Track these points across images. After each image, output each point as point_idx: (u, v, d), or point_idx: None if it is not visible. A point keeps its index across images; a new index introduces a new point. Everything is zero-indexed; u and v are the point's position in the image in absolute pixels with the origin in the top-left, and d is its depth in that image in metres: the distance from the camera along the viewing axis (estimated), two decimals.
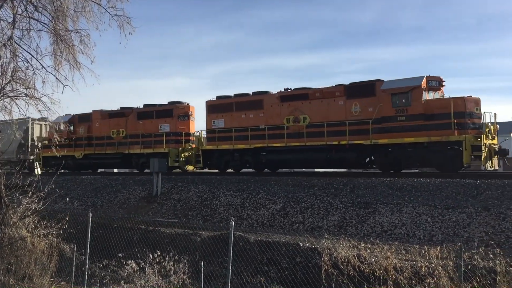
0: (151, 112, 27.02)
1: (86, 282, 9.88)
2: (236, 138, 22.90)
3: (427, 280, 6.59)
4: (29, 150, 31.24)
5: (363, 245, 7.38)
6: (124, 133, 27.55)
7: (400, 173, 18.36)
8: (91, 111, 29.52)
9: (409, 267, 6.95)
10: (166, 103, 26.82)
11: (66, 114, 29.84)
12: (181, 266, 10.27)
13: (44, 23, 11.63)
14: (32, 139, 31.56)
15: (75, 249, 10.73)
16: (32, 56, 11.80)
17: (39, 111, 11.73)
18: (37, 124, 32.01)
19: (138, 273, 9.79)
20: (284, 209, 15.32)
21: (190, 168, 26.47)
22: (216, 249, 11.71)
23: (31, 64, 11.83)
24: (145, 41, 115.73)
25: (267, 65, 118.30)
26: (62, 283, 10.85)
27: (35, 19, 11.63)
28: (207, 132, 24.84)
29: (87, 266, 10.16)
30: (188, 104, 26.88)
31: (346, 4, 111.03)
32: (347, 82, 20.54)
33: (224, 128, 23.69)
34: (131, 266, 9.71)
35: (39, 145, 31.37)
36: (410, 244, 7.98)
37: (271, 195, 16.44)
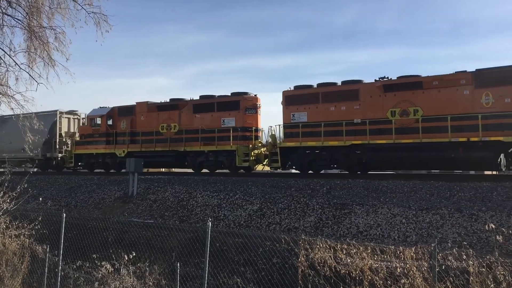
0: (210, 104, 23.72)
1: (59, 284, 9.69)
2: (325, 134, 19.86)
3: (402, 281, 6.67)
4: (57, 147, 28.61)
5: (340, 246, 7.43)
6: (177, 128, 24.37)
7: (375, 175, 18.54)
8: (135, 103, 26.34)
9: (385, 268, 7.03)
10: (229, 94, 23.69)
11: (100, 107, 27.58)
12: (156, 267, 10.17)
13: (18, 19, 11.41)
14: (60, 135, 29.01)
15: (48, 250, 10.51)
16: (5, 52, 11.58)
17: (12, 108, 11.49)
18: (65, 117, 29.57)
19: (112, 274, 9.65)
20: (261, 210, 15.33)
21: (260, 167, 23.68)
22: (192, 250, 11.64)
23: (4, 61, 11.61)
24: (123, 40, 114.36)
25: (245, 66, 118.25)
26: (34, 284, 10.62)
27: (8, 15, 11.40)
28: (286, 126, 21.51)
29: (60, 267, 9.97)
30: (256, 95, 23.66)
31: (324, 6, 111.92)
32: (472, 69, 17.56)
33: (309, 123, 20.57)
34: (106, 267, 9.57)
35: (69, 141, 28.89)
36: (385, 245, 8.07)
37: (248, 196, 16.43)
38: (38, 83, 11.48)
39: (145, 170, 25.67)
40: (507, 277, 6.29)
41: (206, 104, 23.87)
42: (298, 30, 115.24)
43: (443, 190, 14.37)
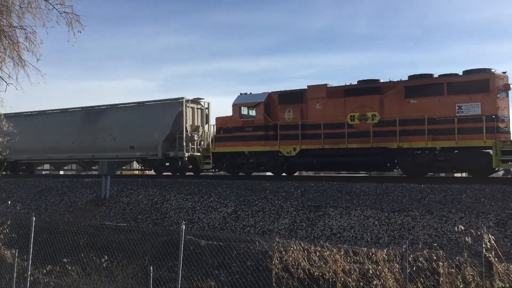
0: (437, 85, 17.55)
1: None
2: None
3: (374, 282, 6.76)
4: (184, 144, 23.12)
5: (313, 248, 7.47)
6: (377, 117, 18.41)
7: (349, 178, 18.75)
8: (306, 87, 20.42)
9: (357, 269, 7.11)
10: (461, 73, 17.60)
11: (245, 94, 22.18)
12: (129, 271, 10.05)
13: None
14: (186, 129, 23.50)
15: (16, 255, 10.26)
16: None
17: None
18: (189, 107, 23.98)
19: (84, 278, 9.50)
20: (235, 213, 15.31)
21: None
22: (166, 253, 11.53)
23: None
24: (98, 41, 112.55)
25: (222, 68, 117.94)
26: None
27: None
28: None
29: (29, 272, 9.74)
30: (505, 72, 17.39)
31: (301, 10, 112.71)
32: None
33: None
34: (77, 272, 9.41)
35: (196, 137, 23.93)
36: (358, 247, 8.17)
37: (222, 199, 16.39)
38: (7, 84, 11.23)
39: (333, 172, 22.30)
40: (475, 278, 6.44)
41: (428, 85, 17.79)
42: (274, 33, 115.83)
43: (414, 192, 14.62)
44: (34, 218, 10.19)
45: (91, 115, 26.80)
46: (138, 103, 25.78)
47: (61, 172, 31.86)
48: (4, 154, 21.38)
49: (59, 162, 29.55)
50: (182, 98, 23.47)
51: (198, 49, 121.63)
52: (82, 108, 28.12)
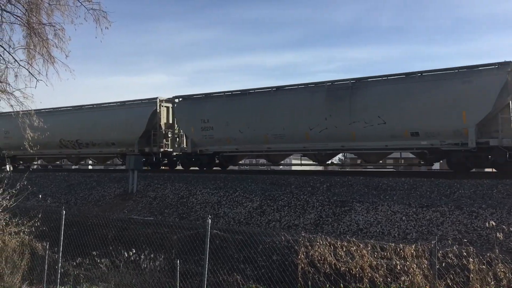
0: None
1: (59, 280, 9.69)
2: None
3: (402, 278, 6.66)
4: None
5: (339, 243, 7.41)
6: None
7: (376, 172, 18.52)
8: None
9: (384, 265, 7.02)
10: None
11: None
12: (156, 264, 10.18)
13: (17, 16, 11.36)
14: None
15: (47, 247, 10.51)
16: (4, 49, 11.53)
17: (11, 105, 11.48)
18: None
19: (112, 271, 9.66)
20: (261, 207, 15.32)
21: None
22: (192, 247, 11.63)
23: (3, 58, 11.57)
24: (123, 37, 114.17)
25: (245, 63, 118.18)
26: (34, 281, 10.62)
27: (8, 12, 11.36)
28: None
29: (59, 264, 9.96)
30: None
31: (325, 3, 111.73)
32: None
33: None
34: (106, 264, 9.58)
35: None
36: (386, 242, 8.06)
37: (248, 193, 16.41)
38: (37, 80, 11.44)
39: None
40: (507, 274, 6.28)
41: None
42: (298, 28, 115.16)
43: (443, 187, 14.34)
44: (64, 212, 10.42)
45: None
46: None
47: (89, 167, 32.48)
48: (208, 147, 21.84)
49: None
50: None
51: (221, 44, 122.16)
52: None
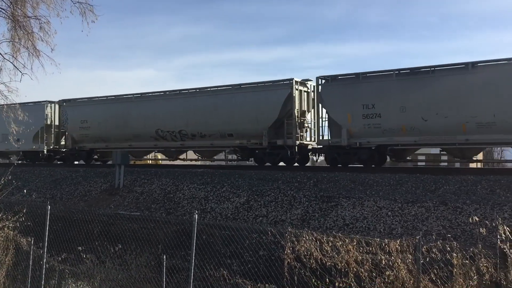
0: None
1: (43, 276, 9.62)
2: None
3: (387, 273, 6.73)
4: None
5: (325, 238, 7.46)
6: None
7: (362, 168, 18.63)
8: None
9: (370, 260, 7.09)
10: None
11: None
12: (143, 259, 10.15)
13: (2, 9, 11.21)
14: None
15: (32, 243, 10.41)
16: None
17: None
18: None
19: (98, 266, 9.61)
20: (248, 203, 15.34)
21: None
22: (179, 242, 11.62)
23: None
24: (111, 31, 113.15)
25: (235, 59, 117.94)
26: (18, 277, 10.53)
27: None
28: None
29: (45, 260, 9.88)
30: None
31: (314, 0, 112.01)
32: None
33: None
34: (91, 260, 9.53)
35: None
36: (371, 237, 8.13)
37: (235, 189, 16.43)
38: (22, 74, 11.32)
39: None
40: (490, 269, 6.38)
41: None
42: (288, 23, 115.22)
43: (428, 183, 14.50)
44: (49, 207, 10.33)
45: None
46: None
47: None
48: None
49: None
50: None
51: (211, 39, 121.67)
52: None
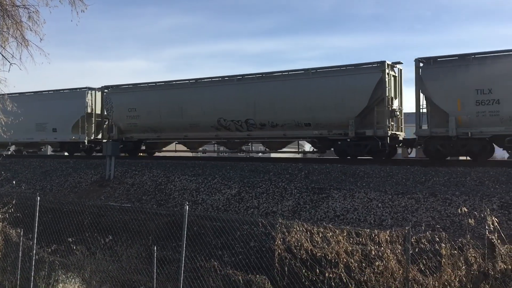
0: None
1: (33, 267, 9.57)
2: None
3: (376, 263, 6.78)
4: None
5: (316, 229, 7.49)
6: None
7: (353, 160, 18.67)
8: None
9: (360, 251, 7.13)
10: None
11: None
12: (133, 250, 10.14)
13: None
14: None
15: (22, 234, 10.35)
16: None
17: None
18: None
19: (88, 258, 9.59)
20: (239, 194, 15.36)
21: None
22: (170, 233, 11.61)
23: None
24: (102, 22, 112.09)
25: (226, 50, 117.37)
26: (8, 268, 10.47)
27: None
28: None
29: (34, 251, 9.83)
30: None
31: None
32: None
33: None
34: (81, 251, 9.50)
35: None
36: (361, 228, 8.18)
37: (226, 180, 16.42)
38: (10, 64, 11.19)
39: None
40: (478, 259, 6.44)
41: None
42: (280, 15, 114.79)
43: (418, 175, 14.59)
44: (38, 198, 10.26)
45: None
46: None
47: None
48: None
49: None
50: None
51: (202, 30, 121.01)
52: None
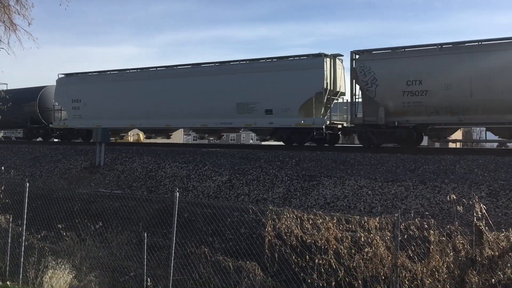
0: None
1: (23, 253, 9.53)
2: None
3: (366, 250, 6.82)
4: None
5: (306, 216, 7.51)
6: None
7: (344, 148, 18.73)
8: None
9: (349, 237, 7.17)
10: None
11: None
12: (123, 237, 10.13)
13: None
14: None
15: (11, 220, 10.28)
16: None
17: None
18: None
19: (78, 244, 9.56)
20: (230, 181, 15.36)
21: None
22: (160, 220, 11.61)
23: None
24: (92, 6, 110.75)
25: (218, 36, 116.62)
26: None
27: None
28: None
29: (23, 237, 9.78)
30: None
31: None
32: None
33: None
34: (71, 237, 9.47)
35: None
36: (351, 215, 8.23)
37: (217, 167, 16.41)
38: None
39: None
40: (466, 246, 6.51)
41: None
42: (273, 1, 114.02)
43: (408, 162, 14.68)
44: (27, 184, 10.18)
45: None
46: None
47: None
48: None
49: None
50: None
51: (194, 16, 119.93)
52: None
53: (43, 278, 8.66)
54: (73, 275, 8.67)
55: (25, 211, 10.03)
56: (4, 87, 29.20)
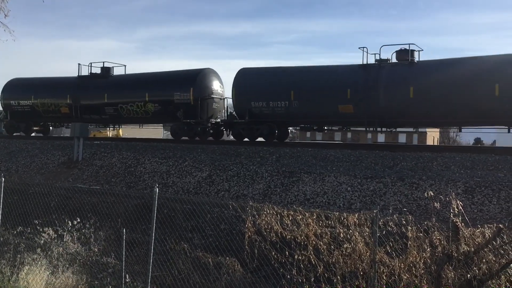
0: None
1: None
2: None
3: (345, 245, 6.87)
4: None
5: (286, 212, 7.53)
6: None
7: (324, 144, 18.85)
8: None
9: (329, 233, 7.22)
10: None
11: None
12: (102, 233, 10.01)
13: None
14: None
15: None
16: None
17: None
18: None
19: (56, 240, 9.41)
20: (210, 177, 15.31)
21: None
22: (139, 216, 11.51)
23: None
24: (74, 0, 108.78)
25: (201, 32, 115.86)
26: None
27: None
28: None
29: None
30: None
31: None
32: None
33: None
34: (48, 233, 9.31)
35: None
36: (330, 212, 8.28)
37: (197, 163, 16.34)
38: None
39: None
40: (442, 241, 6.61)
41: None
42: None
43: (387, 159, 14.85)
44: (3, 179, 9.97)
45: None
46: None
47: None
48: None
49: None
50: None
51: (176, 10, 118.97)
52: None
53: (19, 275, 8.50)
54: (50, 271, 8.53)
55: (1, 206, 9.83)
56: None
